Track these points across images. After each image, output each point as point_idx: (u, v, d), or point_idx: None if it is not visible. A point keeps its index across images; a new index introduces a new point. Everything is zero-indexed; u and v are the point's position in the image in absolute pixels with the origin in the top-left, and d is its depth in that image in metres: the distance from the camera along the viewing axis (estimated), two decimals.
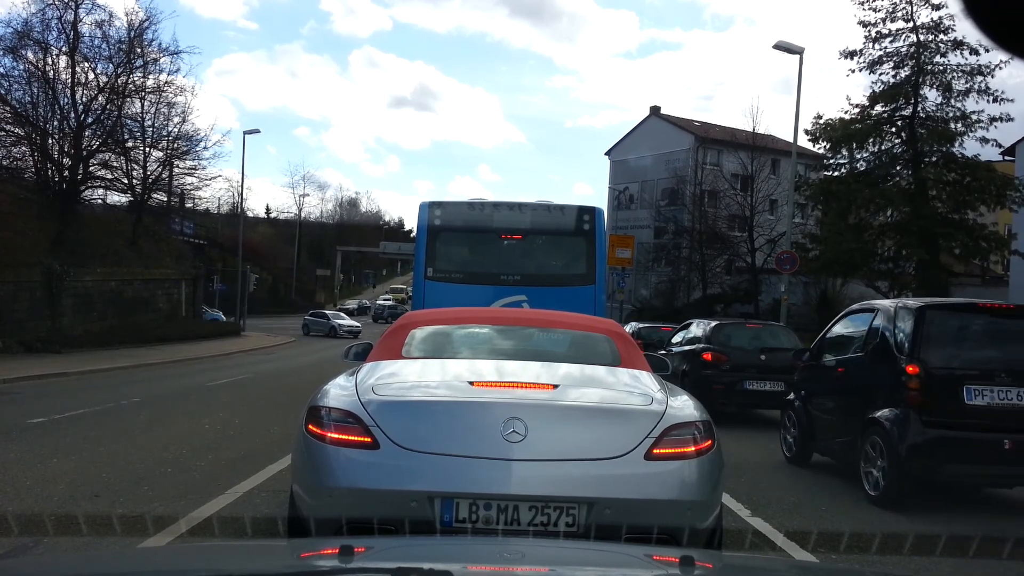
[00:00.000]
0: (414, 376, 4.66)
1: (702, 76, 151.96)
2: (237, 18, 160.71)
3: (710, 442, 4.07)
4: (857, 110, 28.01)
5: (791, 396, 9.44)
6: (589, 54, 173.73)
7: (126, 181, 32.54)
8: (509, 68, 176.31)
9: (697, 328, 14.37)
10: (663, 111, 54.96)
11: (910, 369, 6.98)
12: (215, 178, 60.33)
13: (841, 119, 27.97)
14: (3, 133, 29.33)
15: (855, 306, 9.07)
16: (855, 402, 7.82)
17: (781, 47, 22.71)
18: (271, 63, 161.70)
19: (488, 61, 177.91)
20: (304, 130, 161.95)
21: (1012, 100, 26.42)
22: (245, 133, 41.21)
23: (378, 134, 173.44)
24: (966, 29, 23.54)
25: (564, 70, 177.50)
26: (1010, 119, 26.27)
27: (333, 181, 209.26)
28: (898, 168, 28.30)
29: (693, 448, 3.99)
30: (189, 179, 36.96)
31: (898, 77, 27.40)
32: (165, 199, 38.81)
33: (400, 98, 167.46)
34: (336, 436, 3.96)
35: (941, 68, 26.91)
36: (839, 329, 8.86)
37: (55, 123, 30.29)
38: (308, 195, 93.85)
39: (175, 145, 33.56)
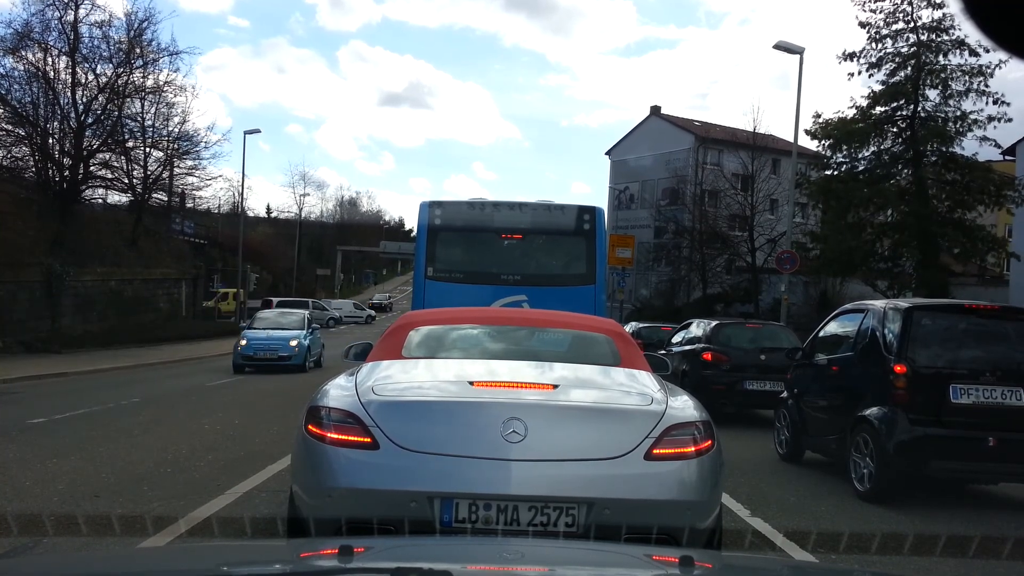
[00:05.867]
0: (414, 376, 4.66)
1: (697, 74, 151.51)
2: (224, 13, 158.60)
3: (710, 442, 4.07)
4: (855, 111, 27.97)
5: (784, 394, 9.56)
6: (583, 51, 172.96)
7: (126, 181, 32.57)
8: (503, 66, 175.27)
9: (697, 328, 14.37)
10: (661, 111, 54.99)
11: (898, 368, 7.13)
12: (216, 178, 60.17)
13: (841, 119, 27.94)
14: (3, 133, 29.38)
15: (847, 306, 9.21)
16: (845, 400, 7.98)
17: (781, 47, 22.65)
18: (258, 58, 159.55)
19: (481, 57, 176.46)
20: (296, 127, 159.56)
21: (1009, 104, 26.43)
22: (246, 133, 41.01)
23: (371, 132, 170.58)
24: (966, 29, 23.55)
25: (558, 68, 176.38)
26: (1009, 120, 26.27)
27: (328, 179, 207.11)
28: (898, 167, 28.28)
29: (693, 448, 3.99)
30: (190, 179, 37.04)
31: (899, 76, 27.35)
32: (165, 199, 38.81)
33: (393, 95, 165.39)
34: (336, 436, 3.96)
35: (941, 68, 26.87)
36: (830, 329, 8.98)
37: (55, 123, 30.36)
38: (308, 195, 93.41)
39: (175, 145, 33.60)
